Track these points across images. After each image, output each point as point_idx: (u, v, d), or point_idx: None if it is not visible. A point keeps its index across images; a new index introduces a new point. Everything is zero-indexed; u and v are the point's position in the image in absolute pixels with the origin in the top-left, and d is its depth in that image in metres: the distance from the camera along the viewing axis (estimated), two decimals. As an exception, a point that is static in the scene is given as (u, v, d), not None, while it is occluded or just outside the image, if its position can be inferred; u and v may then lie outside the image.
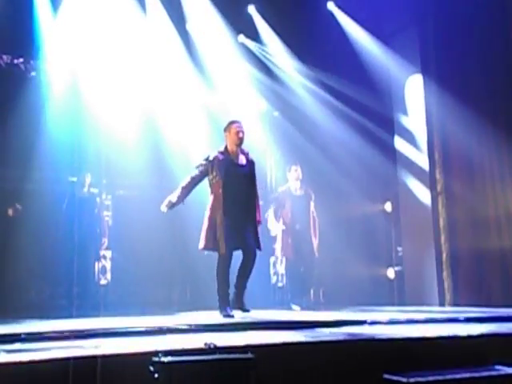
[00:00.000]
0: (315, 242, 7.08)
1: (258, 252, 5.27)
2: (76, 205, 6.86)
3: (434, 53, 7.64)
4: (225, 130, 5.45)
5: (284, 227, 7.02)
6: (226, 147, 5.37)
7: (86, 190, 6.90)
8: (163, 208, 5.29)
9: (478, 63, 6.95)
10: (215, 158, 5.27)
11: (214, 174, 5.19)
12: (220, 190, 5.11)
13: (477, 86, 6.96)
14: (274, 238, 7.39)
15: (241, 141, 5.34)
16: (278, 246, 7.04)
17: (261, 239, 5.33)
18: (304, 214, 7.06)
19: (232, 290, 5.26)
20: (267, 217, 7.20)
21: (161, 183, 8.43)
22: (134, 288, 8.37)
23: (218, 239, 5.06)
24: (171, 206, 5.27)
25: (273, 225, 7.00)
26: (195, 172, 5.30)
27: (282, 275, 8.25)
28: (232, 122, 5.46)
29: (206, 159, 5.30)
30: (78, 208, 6.80)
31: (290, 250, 6.96)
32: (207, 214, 5.21)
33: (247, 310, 5.18)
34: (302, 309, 6.70)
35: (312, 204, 7.15)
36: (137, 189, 8.74)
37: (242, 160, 5.38)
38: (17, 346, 3.06)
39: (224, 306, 5.15)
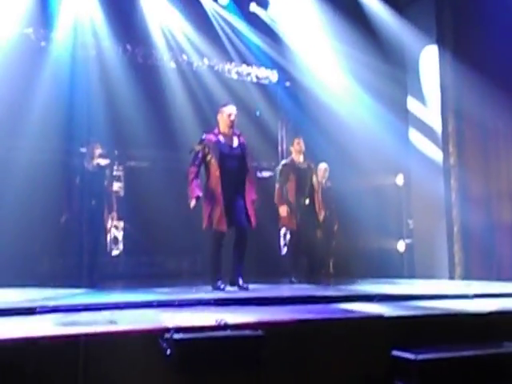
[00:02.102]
0: (321, 213, 7.09)
1: (249, 230, 5.50)
2: (85, 176, 6.88)
3: (451, 23, 7.46)
4: (218, 112, 5.65)
5: (288, 200, 6.99)
6: (218, 129, 5.58)
7: (95, 161, 6.90)
8: (192, 204, 5.43)
9: (495, 34, 6.78)
10: (209, 140, 5.47)
11: (209, 156, 5.41)
12: (217, 172, 5.35)
13: (494, 57, 6.81)
14: None
15: (232, 123, 5.54)
16: (282, 218, 7.00)
17: (255, 215, 5.53)
18: (308, 186, 7.06)
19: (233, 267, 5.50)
20: (274, 191, 7.20)
21: (171, 154, 8.45)
22: (145, 258, 8.48)
23: (219, 219, 5.29)
24: (198, 199, 5.43)
25: (279, 199, 6.99)
26: (195, 159, 5.47)
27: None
28: (224, 105, 5.67)
29: (201, 143, 5.48)
30: (87, 179, 6.82)
31: (293, 221, 6.93)
32: (204, 194, 5.42)
33: (246, 288, 5.36)
34: (302, 282, 6.71)
35: (314, 177, 7.14)
36: (148, 160, 8.76)
37: (235, 141, 5.58)
38: (32, 319, 3.11)
39: (215, 279, 5.39)
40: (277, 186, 6.99)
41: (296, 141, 7.24)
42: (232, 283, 5.49)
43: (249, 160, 5.61)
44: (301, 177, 6.98)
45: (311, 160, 7.28)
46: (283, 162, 7.35)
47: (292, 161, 7.12)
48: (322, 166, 8.10)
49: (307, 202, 6.96)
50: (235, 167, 5.46)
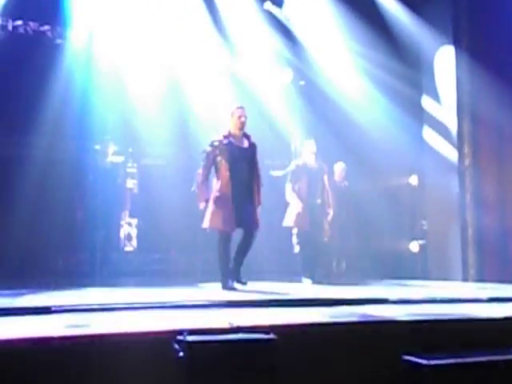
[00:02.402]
0: (330, 214, 7.14)
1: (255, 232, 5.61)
2: (99, 173, 6.93)
3: (468, 23, 7.39)
4: (229, 114, 5.75)
5: (299, 200, 7.04)
6: (229, 131, 5.67)
7: (108, 159, 6.94)
8: (202, 207, 5.63)
9: (512, 35, 6.72)
10: (220, 142, 5.58)
11: (220, 158, 5.53)
12: (227, 173, 5.47)
13: (511, 58, 6.73)
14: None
15: (242, 125, 5.66)
16: (292, 218, 7.04)
17: (259, 219, 5.66)
18: (319, 187, 7.13)
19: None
20: (286, 189, 7.26)
21: (185, 152, 8.47)
22: (158, 255, 8.52)
23: (227, 219, 5.41)
24: (207, 202, 5.59)
25: (291, 197, 7.05)
26: (206, 160, 5.63)
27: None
28: (236, 107, 5.77)
29: (211, 145, 5.61)
30: (101, 176, 6.87)
31: (306, 222, 6.97)
32: (214, 194, 5.55)
33: (244, 283, 5.49)
34: (314, 282, 6.74)
35: (326, 177, 7.20)
36: (162, 157, 8.79)
37: (245, 143, 5.69)
38: (47, 318, 3.15)
39: (226, 279, 5.53)
40: (289, 186, 7.04)
41: (307, 142, 7.33)
42: (238, 281, 5.54)
43: (257, 162, 5.70)
44: (312, 177, 7.05)
45: (324, 160, 7.30)
46: (294, 162, 7.40)
47: (303, 162, 7.17)
48: (340, 165, 8.09)
49: (319, 201, 7.01)
50: (245, 168, 5.56)
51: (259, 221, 5.61)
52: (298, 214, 6.93)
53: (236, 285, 5.50)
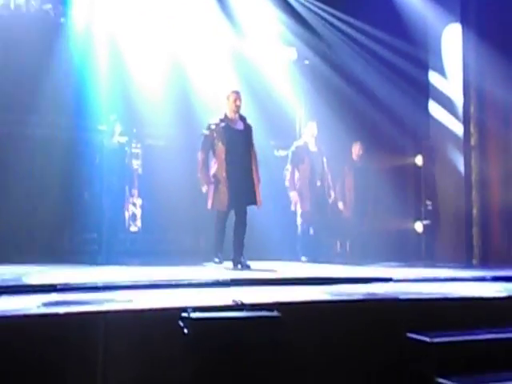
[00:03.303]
0: (332, 195, 7.22)
1: (248, 210, 5.81)
2: (106, 154, 6.94)
3: (475, 1, 7.28)
4: (226, 98, 5.95)
5: (300, 182, 7.14)
6: (225, 114, 5.88)
7: (115, 139, 6.96)
8: (204, 189, 5.83)
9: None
10: (216, 125, 5.80)
11: (217, 140, 5.74)
12: (223, 155, 5.68)
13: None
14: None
15: (238, 108, 5.87)
16: (294, 199, 7.17)
17: (260, 196, 5.84)
18: (319, 169, 7.30)
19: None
20: (286, 171, 7.35)
21: (189, 132, 8.44)
22: (163, 235, 8.55)
23: (221, 199, 5.67)
24: (208, 181, 5.79)
25: (290, 183, 7.16)
26: (203, 143, 5.84)
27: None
28: (232, 91, 5.96)
29: (208, 128, 5.83)
30: (107, 157, 6.88)
31: (307, 203, 7.10)
32: (212, 176, 5.77)
33: (247, 266, 5.61)
34: (310, 261, 6.84)
35: (325, 160, 7.27)
36: (165, 138, 8.76)
37: (241, 125, 5.89)
38: (53, 296, 3.18)
39: (216, 254, 5.85)
40: (289, 168, 7.13)
41: (309, 124, 7.39)
42: (235, 263, 5.72)
43: (253, 144, 5.90)
44: (313, 160, 7.22)
45: (328, 140, 7.35)
46: (296, 143, 7.48)
47: (305, 143, 7.26)
48: (357, 144, 8.09)
49: (319, 183, 7.10)
50: (241, 150, 5.74)
51: (260, 198, 5.79)
52: (300, 196, 7.04)
53: (230, 265, 5.70)
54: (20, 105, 7.51)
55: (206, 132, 5.82)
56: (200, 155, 5.82)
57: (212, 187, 5.73)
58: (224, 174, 5.66)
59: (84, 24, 8.06)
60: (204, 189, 5.80)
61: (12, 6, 7.67)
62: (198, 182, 5.94)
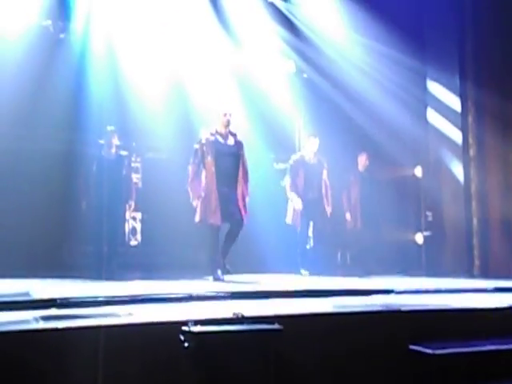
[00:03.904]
0: (328, 209, 7.22)
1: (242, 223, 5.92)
2: (104, 166, 6.93)
3: (472, 11, 7.34)
4: (216, 113, 6.15)
5: (297, 196, 7.15)
6: (216, 129, 6.03)
7: (113, 150, 6.94)
8: (195, 203, 5.93)
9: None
10: (207, 140, 5.95)
11: (206, 154, 5.89)
12: (213, 169, 5.82)
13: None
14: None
15: (228, 123, 6.02)
16: (290, 216, 7.17)
17: (247, 210, 5.97)
18: (317, 181, 7.26)
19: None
20: (285, 185, 7.35)
21: (189, 146, 8.44)
22: (163, 249, 8.52)
23: (213, 212, 5.75)
24: (199, 198, 5.92)
25: (289, 194, 7.16)
26: (194, 157, 5.98)
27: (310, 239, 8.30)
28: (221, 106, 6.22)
29: (199, 142, 5.98)
30: (105, 167, 6.87)
31: (298, 216, 7.11)
32: (202, 190, 5.89)
33: (228, 271, 5.80)
34: (311, 274, 6.82)
35: (325, 172, 7.29)
36: (165, 151, 8.77)
37: (231, 140, 6.05)
38: (53, 311, 3.16)
39: (215, 270, 5.82)
40: (289, 180, 7.16)
41: (311, 139, 7.45)
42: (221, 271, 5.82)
43: (244, 158, 6.04)
44: (309, 172, 7.21)
45: (328, 153, 7.35)
46: (293, 157, 7.52)
47: (302, 156, 7.30)
48: (363, 155, 8.03)
49: (310, 195, 7.10)
50: (230, 165, 5.91)
51: (246, 212, 5.91)
52: (295, 211, 7.05)
53: (222, 274, 5.79)
54: (19, 119, 7.53)
55: (197, 146, 5.98)
56: (190, 168, 5.97)
57: (201, 200, 5.85)
58: (214, 188, 5.79)
59: (82, 38, 8.11)
60: (194, 203, 5.92)
61: (12, 22, 7.73)
62: (187, 194, 6.05)
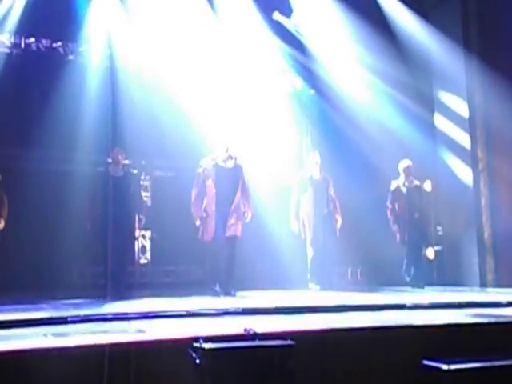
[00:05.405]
0: (339, 222, 7.23)
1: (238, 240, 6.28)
2: (111, 183, 6.90)
3: (478, 27, 7.37)
4: (217, 139, 6.55)
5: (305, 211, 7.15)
6: (216, 154, 6.40)
7: (120, 167, 6.92)
8: (198, 223, 6.29)
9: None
10: (207, 164, 6.32)
11: (207, 177, 6.26)
12: (213, 191, 6.18)
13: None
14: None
15: (227, 148, 6.36)
16: (299, 228, 7.18)
17: (241, 228, 6.27)
18: (325, 197, 7.29)
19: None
20: (291, 202, 7.36)
21: (197, 164, 8.48)
22: (172, 267, 8.51)
23: (212, 231, 6.11)
24: (201, 218, 6.29)
25: (293, 214, 7.18)
26: (196, 181, 6.36)
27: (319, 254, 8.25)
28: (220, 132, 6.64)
29: (200, 167, 6.36)
30: (113, 186, 6.85)
31: (311, 230, 7.11)
32: (204, 210, 6.23)
33: (233, 295, 5.97)
34: (322, 289, 6.79)
35: (331, 188, 7.30)
36: (174, 169, 8.81)
37: (230, 163, 6.38)
38: (63, 328, 3.16)
39: (213, 285, 6.12)
40: (293, 199, 7.17)
41: (312, 153, 7.46)
42: (226, 293, 6.00)
43: (244, 180, 6.39)
44: (317, 189, 7.24)
45: (336, 169, 7.38)
46: (300, 173, 7.54)
47: (308, 173, 7.32)
48: (406, 162, 7.63)
49: (325, 211, 7.11)
50: (230, 186, 6.25)
51: (239, 229, 6.21)
52: (299, 221, 7.17)
53: (220, 289, 6.05)
54: (26, 140, 7.59)
55: (199, 171, 6.35)
56: (193, 192, 6.32)
57: (202, 220, 6.20)
58: (213, 208, 6.13)
59: (93, 59, 8.21)
60: (197, 222, 6.26)
61: (23, 44, 7.86)
62: (192, 216, 6.35)
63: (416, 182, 7.59)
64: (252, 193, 7.02)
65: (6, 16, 7.61)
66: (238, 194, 6.27)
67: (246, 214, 6.32)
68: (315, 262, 7.18)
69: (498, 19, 7.22)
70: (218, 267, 6.21)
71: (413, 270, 7.26)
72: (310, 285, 7.05)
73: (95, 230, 6.77)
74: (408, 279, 7.21)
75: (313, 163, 7.43)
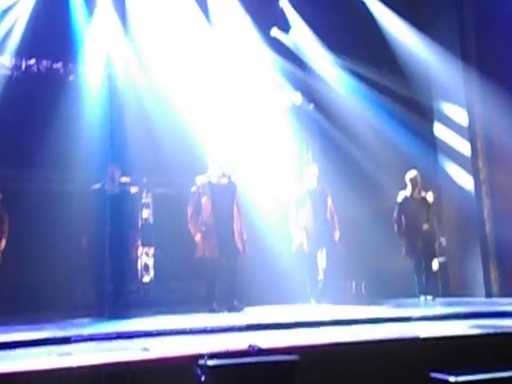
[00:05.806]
0: (337, 234, 7.18)
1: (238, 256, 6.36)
2: (108, 200, 6.84)
3: (475, 40, 7.42)
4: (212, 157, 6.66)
5: (304, 225, 7.12)
6: (211, 171, 6.50)
7: (116, 183, 6.86)
8: (197, 239, 6.35)
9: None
10: (202, 182, 6.43)
11: (202, 195, 6.37)
12: (209, 208, 6.29)
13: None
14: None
15: (220, 167, 6.49)
16: (295, 245, 7.14)
17: (243, 245, 6.38)
18: (323, 208, 7.26)
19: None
20: (290, 215, 7.34)
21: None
22: (176, 284, 8.47)
23: (211, 247, 6.19)
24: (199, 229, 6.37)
25: (294, 224, 7.15)
26: (192, 199, 6.44)
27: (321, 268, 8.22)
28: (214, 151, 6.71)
29: (195, 185, 6.45)
30: (109, 203, 6.80)
31: (311, 244, 7.08)
32: (200, 227, 6.32)
33: (239, 308, 6.04)
34: (325, 303, 6.76)
35: (330, 200, 7.28)
36: (176, 186, 8.81)
37: (225, 181, 6.49)
38: (67, 348, 3.14)
39: (211, 302, 6.17)
40: (292, 211, 7.16)
41: (310, 166, 7.48)
42: (229, 309, 6.04)
43: (237, 198, 6.48)
44: (316, 200, 7.23)
45: (336, 183, 7.38)
46: (298, 187, 7.55)
47: (306, 185, 7.31)
48: (412, 173, 7.38)
49: (318, 224, 7.12)
50: (225, 203, 6.36)
51: (242, 245, 6.31)
52: (300, 238, 7.11)
53: (217, 307, 6.10)
54: (27, 160, 7.62)
55: (194, 189, 6.45)
56: (189, 209, 6.40)
57: (199, 237, 6.28)
58: (211, 225, 6.24)
59: (92, 79, 8.27)
60: (197, 238, 6.30)
61: (23, 66, 7.92)
62: (189, 232, 6.41)
63: (423, 194, 7.36)
64: (252, 208, 7.07)
65: (6, 37, 7.69)
66: (235, 211, 6.37)
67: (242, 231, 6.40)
68: (317, 276, 7.14)
69: (494, 30, 7.27)
70: (215, 284, 6.28)
71: (424, 281, 7.08)
72: (312, 300, 7.00)
73: (92, 248, 6.70)
74: (423, 298, 6.88)
75: (311, 175, 7.42)
